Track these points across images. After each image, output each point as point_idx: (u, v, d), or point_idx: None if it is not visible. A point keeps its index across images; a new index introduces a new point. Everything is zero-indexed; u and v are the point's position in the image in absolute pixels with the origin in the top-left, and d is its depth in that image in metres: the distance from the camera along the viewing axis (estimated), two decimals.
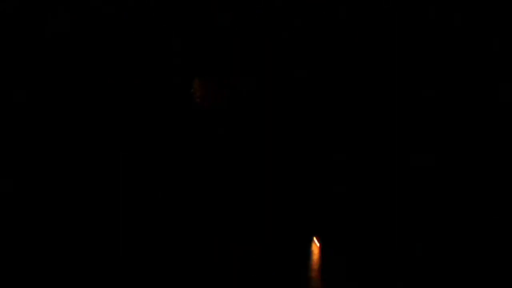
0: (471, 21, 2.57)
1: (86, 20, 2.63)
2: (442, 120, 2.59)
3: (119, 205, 2.59)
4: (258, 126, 2.69)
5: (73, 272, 2.46)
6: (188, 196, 2.64)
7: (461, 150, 2.57)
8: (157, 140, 2.66)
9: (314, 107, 2.69)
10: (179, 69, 2.67)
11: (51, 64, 2.62)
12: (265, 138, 2.69)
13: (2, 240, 2.50)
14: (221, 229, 2.62)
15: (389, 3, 2.63)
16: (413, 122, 2.61)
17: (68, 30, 2.62)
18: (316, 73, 2.69)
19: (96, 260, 2.50)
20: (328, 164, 2.66)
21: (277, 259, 2.57)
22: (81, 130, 2.62)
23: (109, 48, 2.66)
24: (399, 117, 2.62)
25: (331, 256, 2.61)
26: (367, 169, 2.64)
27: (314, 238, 2.63)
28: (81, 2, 2.62)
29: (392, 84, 2.64)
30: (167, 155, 2.66)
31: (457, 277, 2.44)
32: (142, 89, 2.66)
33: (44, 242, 2.51)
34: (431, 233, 2.53)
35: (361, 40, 2.67)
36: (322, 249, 2.63)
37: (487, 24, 2.56)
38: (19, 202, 2.54)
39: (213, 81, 2.58)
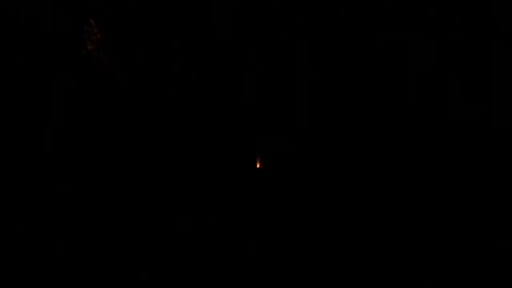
0: (471, 21, 2.58)
1: (86, 20, 2.63)
2: (442, 120, 2.59)
3: (118, 205, 2.59)
4: (258, 126, 2.69)
5: (70, 271, 2.46)
6: (187, 196, 2.65)
7: (461, 150, 2.57)
8: (157, 139, 2.66)
9: (314, 106, 2.69)
10: (178, 69, 2.67)
11: (51, 64, 2.63)
12: (264, 137, 2.69)
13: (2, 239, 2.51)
14: (220, 229, 2.62)
15: (389, 3, 2.64)
16: (413, 122, 2.61)
17: (68, 30, 2.62)
18: (316, 73, 2.69)
19: (94, 260, 2.50)
20: (327, 164, 2.66)
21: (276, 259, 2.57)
22: (82, 129, 2.62)
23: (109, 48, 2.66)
24: (399, 117, 2.63)
25: None
26: (367, 169, 2.64)
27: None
28: (81, 2, 2.62)
29: (392, 84, 2.64)
30: (166, 155, 2.66)
31: (457, 277, 2.44)
32: (142, 88, 2.66)
33: (38, 241, 2.52)
34: (431, 233, 2.53)
35: (361, 40, 2.67)
36: None
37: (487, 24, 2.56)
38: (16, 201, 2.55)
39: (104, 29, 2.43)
